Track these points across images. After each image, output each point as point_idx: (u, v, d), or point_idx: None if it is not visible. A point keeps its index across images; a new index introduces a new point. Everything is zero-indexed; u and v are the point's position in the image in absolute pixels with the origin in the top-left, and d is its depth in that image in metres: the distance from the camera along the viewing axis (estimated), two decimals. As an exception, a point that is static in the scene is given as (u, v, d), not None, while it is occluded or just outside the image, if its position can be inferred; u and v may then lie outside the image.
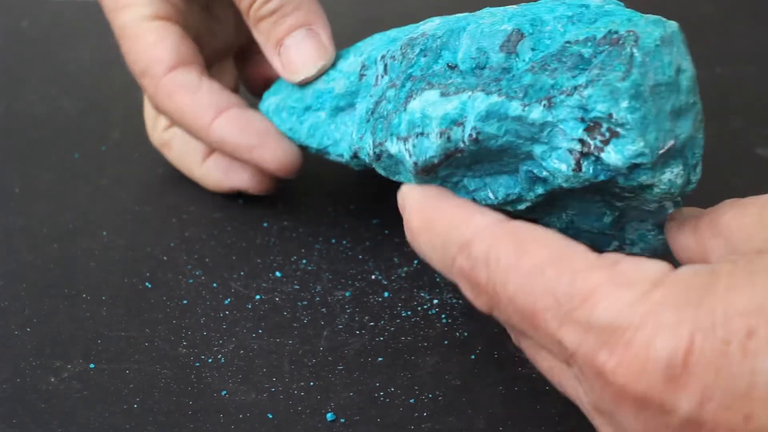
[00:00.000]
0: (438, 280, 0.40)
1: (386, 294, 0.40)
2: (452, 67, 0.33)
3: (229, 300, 0.39)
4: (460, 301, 0.39)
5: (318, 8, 0.41)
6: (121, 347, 0.37)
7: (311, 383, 0.36)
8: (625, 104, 0.30)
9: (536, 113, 0.31)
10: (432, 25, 0.35)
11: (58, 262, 0.41)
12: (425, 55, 0.34)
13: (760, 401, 0.25)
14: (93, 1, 0.62)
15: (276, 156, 0.41)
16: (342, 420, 0.34)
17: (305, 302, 0.39)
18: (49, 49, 0.58)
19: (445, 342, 0.37)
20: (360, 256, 0.42)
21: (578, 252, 0.28)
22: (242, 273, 0.41)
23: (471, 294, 0.30)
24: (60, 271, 0.41)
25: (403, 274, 0.41)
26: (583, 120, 0.30)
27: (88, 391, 0.35)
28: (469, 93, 0.32)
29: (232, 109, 0.41)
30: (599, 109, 0.30)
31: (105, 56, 0.57)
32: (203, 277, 0.40)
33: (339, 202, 0.45)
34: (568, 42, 0.31)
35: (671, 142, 0.31)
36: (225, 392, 0.35)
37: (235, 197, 0.45)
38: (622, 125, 0.30)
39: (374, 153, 0.35)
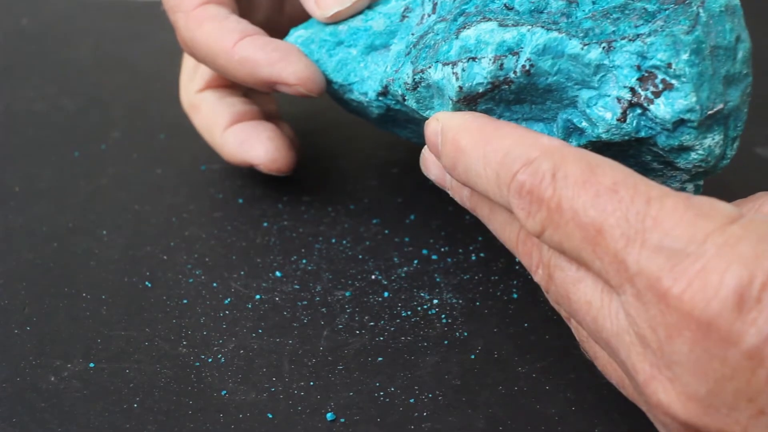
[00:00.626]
0: (438, 280, 0.40)
1: (386, 294, 0.40)
2: (509, 8, 0.33)
3: (229, 300, 0.39)
4: (460, 301, 0.39)
5: None
6: (121, 346, 0.37)
7: (311, 383, 0.36)
8: (685, 56, 0.30)
9: (594, 53, 0.31)
10: None
11: (58, 261, 0.41)
12: None
13: None
14: (93, 0, 0.61)
15: (297, 69, 0.39)
16: (342, 420, 0.34)
17: (305, 302, 0.39)
18: (49, 48, 0.58)
19: (445, 342, 0.37)
20: (360, 256, 0.42)
21: (652, 182, 0.27)
22: (242, 273, 0.41)
23: (524, 213, 0.29)
24: (60, 270, 0.41)
25: (403, 274, 0.41)
26: (639, 68, 0.31)
27: (88, 391, 0.35)
28: (529, 27, 0.32)
29: (257, 35, 0.41)
30: (659, 57, 0.30)
31: (105, 55, 0.57)
32: (203, 277, 0.40)
33: (339, 202, 0.45)
34: None
35: (720, 105, 0.31)
36: (225, 392, 0.35)
37: (236, 196, 0.45)
38: (678, 77, 0.30)
39: (413, 81, 0.34)
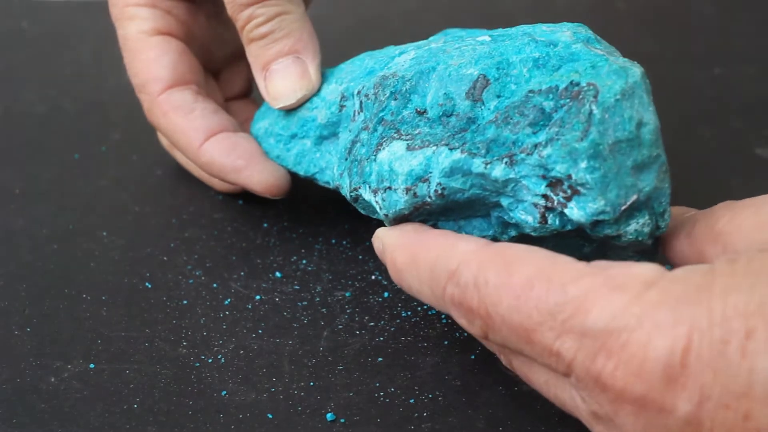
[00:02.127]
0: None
1: (386, 294, 0.40)
2: (421, 113, 0.34)
3: (229, 300, 0.39)
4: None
5: (310, 37, 0.41)
6: (121, 347, 0.37)
7: (311, 383, 0.36)
8: (583, 165, 0.30)
9: (498, 171, 0.31)
10: (405, 59, 0.36)
11: (58, 262, 0.41)
12: (395, 99, 0.34)
13: (758, 400, 0.25)
14: (93, 2, 0.62)
15: (262, 178, 0.41)
16: (342, 420, 0.34)
17: (305, 302, 0.39)
18: (49, 50, 0.58)
19: (445, 342, 0.37)
20: (360, 256, 0.42)
21: (566, 263, 0.28)
22: (242, 273, 0.41)
23: (465, 321, 0.30)
24: (60, 271, 0.41)
25: (403, 275, 0.41)
26: (544, 177, 0.31)
27: (88, 391, 0.35)
28: (434, 148, 0.32)
29: (222, 133, 0.41)
30: (558, 169, 0.30)
31: (105, 57, 0.57)
32: (203, 278, 0.40)
33: (339, 202, 0.45)
34: (531, 91, 0.31)
35: (634, 197, 0.30)
36: (225, 392, 0.35)
37: (236, 197, 0.45)
38: (582, 185, 0.30)
39: (351, 196, 0.36)
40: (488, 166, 0.31)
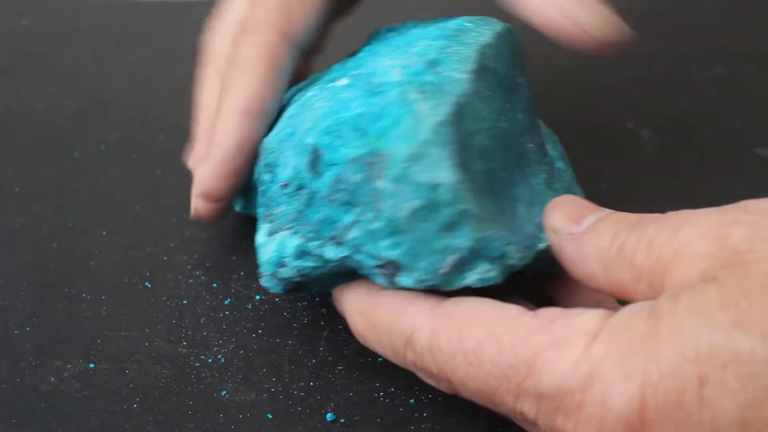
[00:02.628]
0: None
1: (386, 294, 0.40)
2: (284, 186, 0.33)
3: (229, 300, 0.39)
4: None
5: None
6: (121, 347, 0.37)
7: (311, 383, 0.36)
8: (385, 244, 0.29)
9: (330, 253, 0.31)
10: (275, 130, 0.35)
11: (58, 261, 0.41)
12: (269, 172, 0.34)
13: None
14: (93, 0, 0.61)
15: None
16: (342, 420, 0.34)
17: (305, 302, 0.39)
18: (49, 48, 0.58)
19: (445, 342, 0.37)
20: (360, 256, 0.42)
21: (513, 319, 0.28)
22: (242, 273, 0.41)
23: (432, 381, 0.31)
24: (60, 270, 0.41)
25: (403, 274, 0.40)
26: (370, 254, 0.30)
27: (88, 391, 0.35)
28: (285, 232, 0.32)
29: None
30: (366, 251, 0.30)
31: (105, 55, 0.57)
32: (203, 277, 0.40)
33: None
34: (349, 161, 0.30)
35: (451, 258, 0.30)
36: (225, 392, 0.35)
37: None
38: (393, 262, 0.30)
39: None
40: (322, 249, 0.31)
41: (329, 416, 0.34)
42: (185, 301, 0.39)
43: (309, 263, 0.32)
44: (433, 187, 0.29)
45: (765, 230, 0.26)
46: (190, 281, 0.40)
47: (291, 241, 0.32)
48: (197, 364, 0.36)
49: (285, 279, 0.33)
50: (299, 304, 0.39)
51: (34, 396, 0.35)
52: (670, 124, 0.50)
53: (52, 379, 0.36)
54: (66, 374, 0.36)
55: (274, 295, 0.39)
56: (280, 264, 0.33)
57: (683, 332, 0.25)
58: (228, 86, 0.37)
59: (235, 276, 0.41)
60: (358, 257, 0.31)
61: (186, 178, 0.46)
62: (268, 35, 0.37)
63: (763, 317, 0.24)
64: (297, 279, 0.33)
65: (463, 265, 0.30)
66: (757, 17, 0.60)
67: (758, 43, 0.58)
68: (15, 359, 0.37)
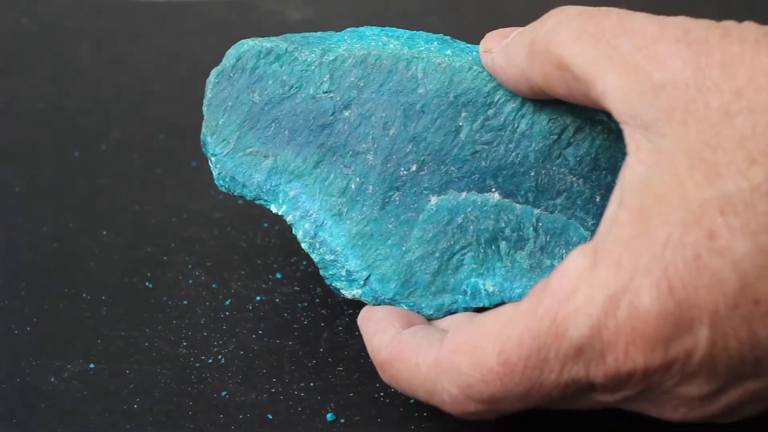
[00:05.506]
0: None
1: (386, 295, 0.40)
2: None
3: (229, 301, 0.39)
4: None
5: None
6: (121, 347, 0.37)
7: (311, 384, 0.36)
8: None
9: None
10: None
11: (58, 261, 0.41)
12: None
13: (758, 282, 0.26)
14: (93, 0, 0.61)
15: None
16: (342, 420, 0.34)
17: (305, 303, 0.39)
18: (50, 47, 0.58)
19: (445, 343, 0.37)
20: (360, 257, 0.42)
21: (511, 315, 0.29)
22: (242, 273, 0.41)
23: (474, 418, 0.31)
24: (60, 270, 0.41)
25: (403, 275, 0.41)
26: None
27: (88, 391, 0.35)
28: None
29: None
30: None
31: (105, 54, 0.57)
32: (203, 278, 0.40)
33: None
34: None
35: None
36: (225, 393, 0.35)
37: (236, 197, 0.45)
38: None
39: None
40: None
41: (329, 416, 0.34)
42: (185, 301, 0.39)
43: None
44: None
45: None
46: (190, 281, 0.40)
47: None
48: (197, 365, 0.36)
49: None
50: (299, 305, 0.39)
51: (34, 396, 0.35)
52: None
53: (53, 379, 0.36)
54: (66, 374, 0.36)
55: (275, 295, 0.40)
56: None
57: (673, 209, 0.26)
58: None
59: (235, 276, 0.41)
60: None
61: (186, 177, 0.46)
62: None
63: (730, 156, 0.26)
64: None
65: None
66: (757, 17, 0.60)
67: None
68: (15, 359, 0.37)
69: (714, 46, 0.27)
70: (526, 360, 0.28)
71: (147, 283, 0.40)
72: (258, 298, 0.39)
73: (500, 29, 0.33)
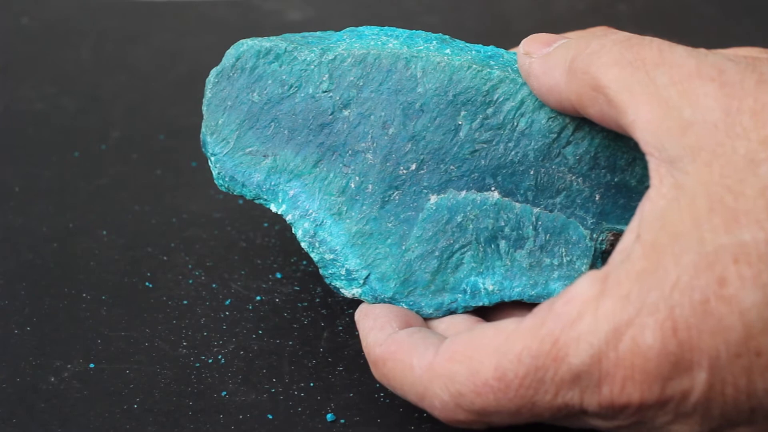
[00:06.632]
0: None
1: (386, 295, 0.40)
2: None
3: (229, 301, 0.39)
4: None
5: None
6: (121, 347, 0.37)
7: (311, 384, 0.36)
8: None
9: None
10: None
11: (58, 261, 0.41)
12: None
13: (762, 335, 0.26)
14: (93, 0, 0.61)
15: None
16: (342, 420, 0.34)
17: (305, 303, 0.39)
18: (49, 47, 0.58)
19: (445, 343, 0.37)
20: (360, 257, 0.42)
21: (514, 330, 0.29)
22: (242, 273, 0.41)
23: (466, 427, 0.31)
24: (60, 270, 0.41)
25: (403, 275, 0.41)
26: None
27: (88, 391, 0.35)
28: None
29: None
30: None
31: (105, 54, 0.57)
32: (203, 278, 0.40)
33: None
34: None
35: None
36: (225, 393, 0.35)
37: (236, 197, 0.45)
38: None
39: None
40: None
41: (329, 417, 0.34)
42: (185, 301, 0.39)
43: None
44: None
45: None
46: (190, 282, 0.40)
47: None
48: (197, 365, 0.36)
49: None
50: (299, 305, 0.39)
51: (34, 396, 0.35)
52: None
53: (52, 379, 0.36)
54: (66, 374, 0.36)
55: (275, 295, 0.40)
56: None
57: (687, 250, 0.26)
58: None
59: (235, 276, 0.41)
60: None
61: (186, 177, 0.46)
62: None
63: (751, 204, 0.26)
64: None
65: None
66: (757, 17, 0.60)
67: (758, 44, 0.58)
68: (15, 359, 0.37)
69: (748, 91, 0.27)
70: (523, 378, 0.28)
71: (147, 283, 0.40)
72: (258, 298, 0.39)
73: (544, 34, 0.33)
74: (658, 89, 0.28)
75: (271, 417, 0.34)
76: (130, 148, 0.49)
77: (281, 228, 0.43)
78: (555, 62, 0.32)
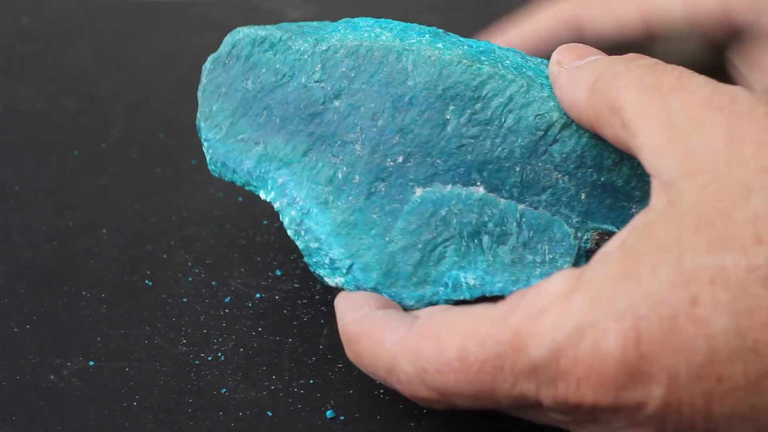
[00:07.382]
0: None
1: (386, 292, 0.40)
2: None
3: (229, 298, 0.39)
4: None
5: None
6: (120, 345, 0.37)
7: (311, 381, 0.36)
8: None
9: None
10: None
11: (58, 260, 0.41)
12: None
13: (726, 361, 0.25)
14: (93, 0, 0.62)
15: None
16: (342, 418, 0.34)
17: (305, 300, 0.39)
18: (49, 47, 0.58)
19: (445, 340, 0.37)
20: (360, 255, 0.42)
21: (484, 313, 0.29)
22: (242, 271, 0.41)
23: (427, 404, 0.31)
24: (60, 269, 0.41)
25: (403, 273, 0.41)
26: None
27: (88, 389, 0.35)
28: None
29: None
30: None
31: (105, 53, 0.57)
32: (203, 275, 0.40)
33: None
34: None
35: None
36: (225, 390, 0.35)
37: (235, 195, 0.45)
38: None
39: None
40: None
41: (329, 414, 0.34)
42: (185, 299, 0.39)
43: None
44: None
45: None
46: (190, 279, 0.40)
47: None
48: (197, 362, 0.36)
49: None
50: (299, 302, 0.39)
51: (34, 394, 0.35)
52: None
53: (52, 377, 0.36)
54: (66, 372, 0.36)
55: (274, 293, 0.40)
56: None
57: (664, 261, 0.26)
58: None
59: (235, 274, 0.41)
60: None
61: (186, 177, 0.46)
62: None
63: (738, 229, 0.25)
64: None
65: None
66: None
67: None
68: (15, 357, 0.37)
69: (755, 121, 0.27)
70: (483, 363, 0.28)
71: (147, 281, 0.40)
72: (258, 295, 0.39)
73: (580, 45, 0.33)
74: (669, 114, 0.28)
75: (270, 414, 0.34)
76: (130, 147, 0.49)
77: (281, 225, 0.43)
78: (582, 78, 0.32)
